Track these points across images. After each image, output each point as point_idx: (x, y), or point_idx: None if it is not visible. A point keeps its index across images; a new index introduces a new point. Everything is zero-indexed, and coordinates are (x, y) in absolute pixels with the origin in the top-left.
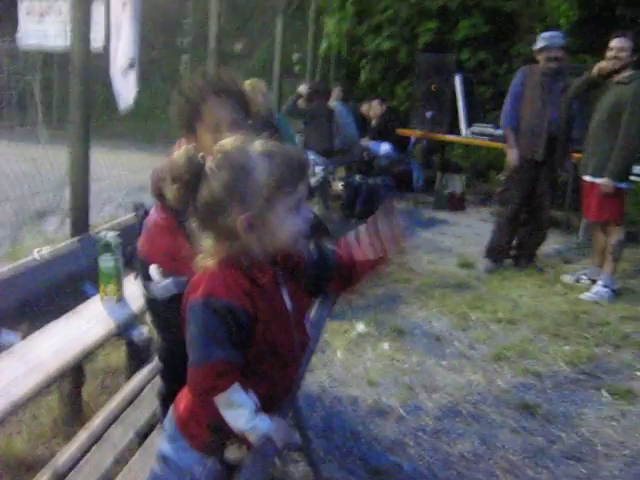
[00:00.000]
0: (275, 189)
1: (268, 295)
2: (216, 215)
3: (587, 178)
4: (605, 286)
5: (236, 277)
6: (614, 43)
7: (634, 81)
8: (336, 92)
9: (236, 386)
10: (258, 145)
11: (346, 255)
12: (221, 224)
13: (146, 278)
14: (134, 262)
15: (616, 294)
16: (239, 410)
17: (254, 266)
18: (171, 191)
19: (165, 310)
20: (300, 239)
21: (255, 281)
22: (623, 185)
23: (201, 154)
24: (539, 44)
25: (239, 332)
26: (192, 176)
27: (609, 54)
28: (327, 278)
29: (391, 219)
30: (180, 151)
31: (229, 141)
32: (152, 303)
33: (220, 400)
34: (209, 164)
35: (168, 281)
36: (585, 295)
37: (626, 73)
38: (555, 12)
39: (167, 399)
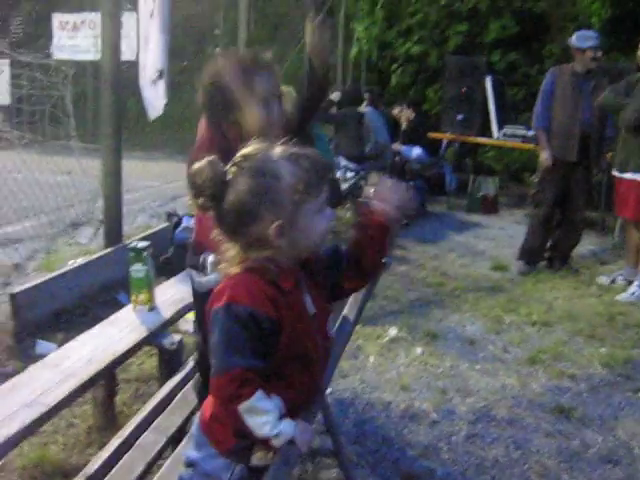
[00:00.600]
0: (303, 193)
1: (291, 300)
2: (246, 224)
3: (627, 175)
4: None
5: (259, 284)
6: None
7: None
8: (366, 99)
9: (259, 393)
10: (282, 150)
11: (354, 240)
12: (252, 232)
13: (195, 269)
14: (165, 270)
15: None
16: (263, 417)
17: (279, 272)
18: (195, 204)
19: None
20: (326, 239)
21: (279, 287)
22: None
23: (222, 164)
24: (584, 43)
25: (262, 339)
26: (217, 185)
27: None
28: (341, 275)
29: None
30: (202, 162)
31: (253, 148)
32: (196, 297)
33: (244, 408)
34: (233, 171)
35: (214, 275)
36: (621, 296)
37: None
38: (586, 11)
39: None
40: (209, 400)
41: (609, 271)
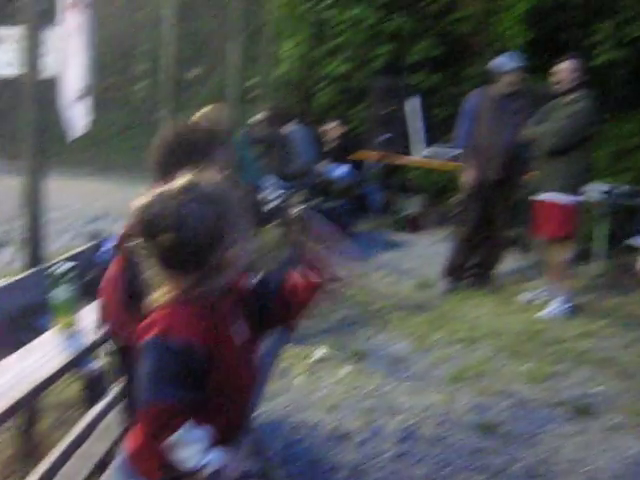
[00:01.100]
0: (242, 214)
1: (224, 328)
2: (211, 250)
3: (543, 197)
4: (561, 303)
5: (194, 314)
6: (558, 67)
7: (580, 102)
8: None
9: (188, 425)
10: (218, 176)
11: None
12: (213, 258)
13: None
14: (87, 292)
15: (572, 311)
16: (191, 449)
17: (216, 299)
18: (142, 243)
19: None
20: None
21: (213, 315)
22: (568, 200)
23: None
24: (507, 65)
25: (193, 371)
26: (173, 218)
27: (554, 79)
28: (270, 307)
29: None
30: (150, 196)
31: (190, 178)
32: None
33: (172, 441)
34: (186, 201)
35: None
36: (542, 313)
37: (574, 95)
38: (507, 34)
39: None
40: (135, 431)
41: (531, 288)
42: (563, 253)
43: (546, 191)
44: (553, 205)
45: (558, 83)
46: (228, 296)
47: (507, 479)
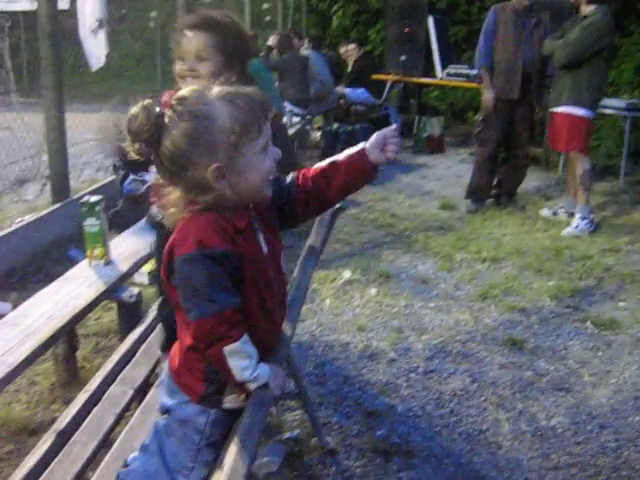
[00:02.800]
0: (240, 133)
1: (248, 240)
2: (184, 168)
3: (559, 109)
4: (583, 218)
5: (219, 222)
6: None
7: (593, 15)
8: (306, 43)
9: (245, 336)
10: (217, 91)
11: (308, 173)
12: (190, 176)
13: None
14: (115, 223)
15: (596, 227)
16: (245, 361)
17: (231, 213)
18: (133, 149)
19: None
20: (270, 180)
21: (234, 225)
22: (582, 112)
23: (158, 108)
24: None
25: (235, 279)
26: (153, 130)
27: None
28: (292, 207)
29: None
30: (137, 107)
31: (187, 90)
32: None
33: (229, 350)
34: (169, 115)
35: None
36: (566, 230)
37: (589, 8)
38: None
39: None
40: (177, 348)
41: (554, 206)
42: (576, 165)
43: (561, 104)
44: (567, 117)
45: None
46: (248, 210)
47: (534, 392)
